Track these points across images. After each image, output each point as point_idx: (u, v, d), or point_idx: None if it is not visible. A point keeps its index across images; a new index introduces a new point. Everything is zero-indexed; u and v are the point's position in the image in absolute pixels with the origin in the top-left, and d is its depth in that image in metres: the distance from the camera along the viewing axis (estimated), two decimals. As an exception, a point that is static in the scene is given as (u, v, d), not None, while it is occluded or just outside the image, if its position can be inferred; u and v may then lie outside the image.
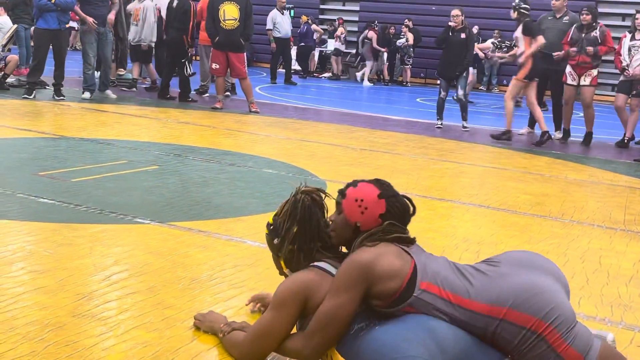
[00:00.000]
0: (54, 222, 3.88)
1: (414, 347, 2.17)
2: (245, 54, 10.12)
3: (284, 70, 16.39)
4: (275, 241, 2.53)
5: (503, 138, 8.84)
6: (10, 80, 10.37)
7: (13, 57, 10.48)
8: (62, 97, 9.41)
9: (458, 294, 2.26)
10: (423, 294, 2.27)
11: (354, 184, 2.45)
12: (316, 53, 19.58)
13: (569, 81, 9.04)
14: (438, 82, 10.09)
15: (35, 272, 3.13)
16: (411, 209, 2.47)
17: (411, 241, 2.42)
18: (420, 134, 9.06)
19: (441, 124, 9.76)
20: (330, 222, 2.49)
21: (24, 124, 7.49)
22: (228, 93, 11.42)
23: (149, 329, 2.62)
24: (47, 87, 10.25)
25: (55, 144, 6.43)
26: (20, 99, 9.18)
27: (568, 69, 9.01)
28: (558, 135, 9.49)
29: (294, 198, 2.52)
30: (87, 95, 9.83)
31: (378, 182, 2.47)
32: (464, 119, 9.74)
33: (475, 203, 5.20)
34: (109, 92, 10.26)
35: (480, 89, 17.89)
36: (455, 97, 9.85)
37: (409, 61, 17.96)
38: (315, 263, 2.46)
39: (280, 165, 6.17)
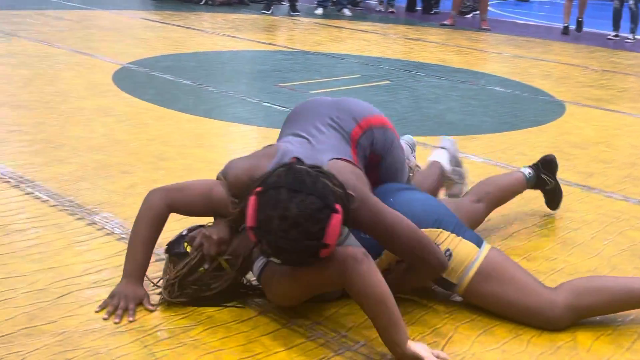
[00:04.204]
0: (297, 131, 4.09)
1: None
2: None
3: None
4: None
5: None
6: (249, -5, 10.93)
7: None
8: (297, 13, 9.76)
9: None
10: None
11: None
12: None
13: None
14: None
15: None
16: None
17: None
18: (670, 56, 8.20)
19: (615, 35, 9.35)
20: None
21: (264, 37, 7.90)
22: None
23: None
24: (283, 2, 10.67)
25: (293, 57, 6.71)
26: (259, 14, 9.67)
27: None
28: None
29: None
30: (319, 11, 10.11)
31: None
32: (632, 30, 9.19)
33: None
34: (345, 10, 10.31)
35: None
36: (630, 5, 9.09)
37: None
38: None
39: (513, 84, 5.94)
